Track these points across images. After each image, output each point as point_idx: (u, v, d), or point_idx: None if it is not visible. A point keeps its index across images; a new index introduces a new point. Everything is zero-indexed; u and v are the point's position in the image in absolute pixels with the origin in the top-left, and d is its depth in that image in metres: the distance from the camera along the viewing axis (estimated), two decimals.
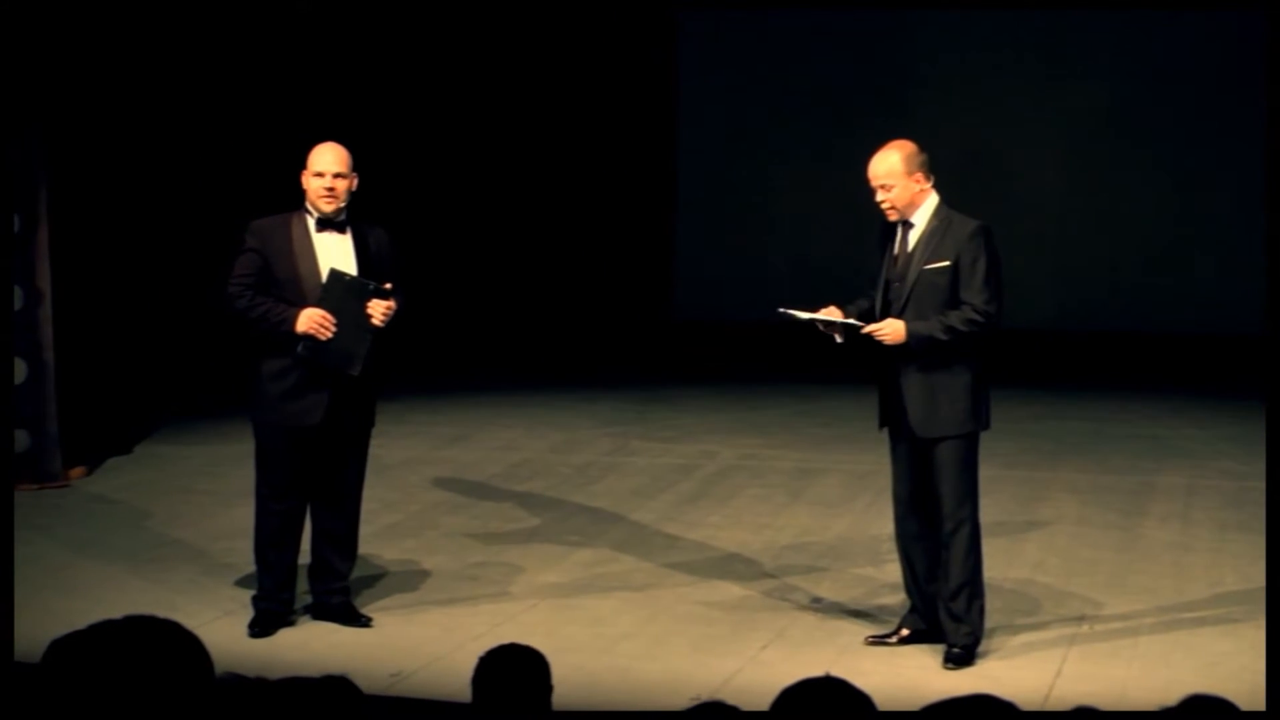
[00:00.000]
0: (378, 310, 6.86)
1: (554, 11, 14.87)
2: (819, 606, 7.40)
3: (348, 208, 6.98)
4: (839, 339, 6.69)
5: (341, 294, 6.83)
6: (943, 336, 6.48)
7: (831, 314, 6.67)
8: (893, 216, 6.63)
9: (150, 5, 11.85)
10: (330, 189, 6.88)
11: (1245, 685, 6.16)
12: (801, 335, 7.01)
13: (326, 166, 6.89)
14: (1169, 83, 14.37)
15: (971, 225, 6.57)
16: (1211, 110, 14.25)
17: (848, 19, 14.86)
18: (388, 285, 6.92)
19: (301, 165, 6.97)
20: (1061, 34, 14.54)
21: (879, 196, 6.61)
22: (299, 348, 6.81)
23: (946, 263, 6.54)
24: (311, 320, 6.78)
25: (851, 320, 6.64)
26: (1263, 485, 7.50)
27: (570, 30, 14.94)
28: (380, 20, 14.24)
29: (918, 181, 6.58)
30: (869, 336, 6.58)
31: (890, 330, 6.50)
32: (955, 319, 6.49)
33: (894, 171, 6.57)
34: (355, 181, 6.98)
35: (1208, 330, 14.13)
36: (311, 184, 6.91)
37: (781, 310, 6.75)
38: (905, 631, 6.83)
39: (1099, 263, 14.56)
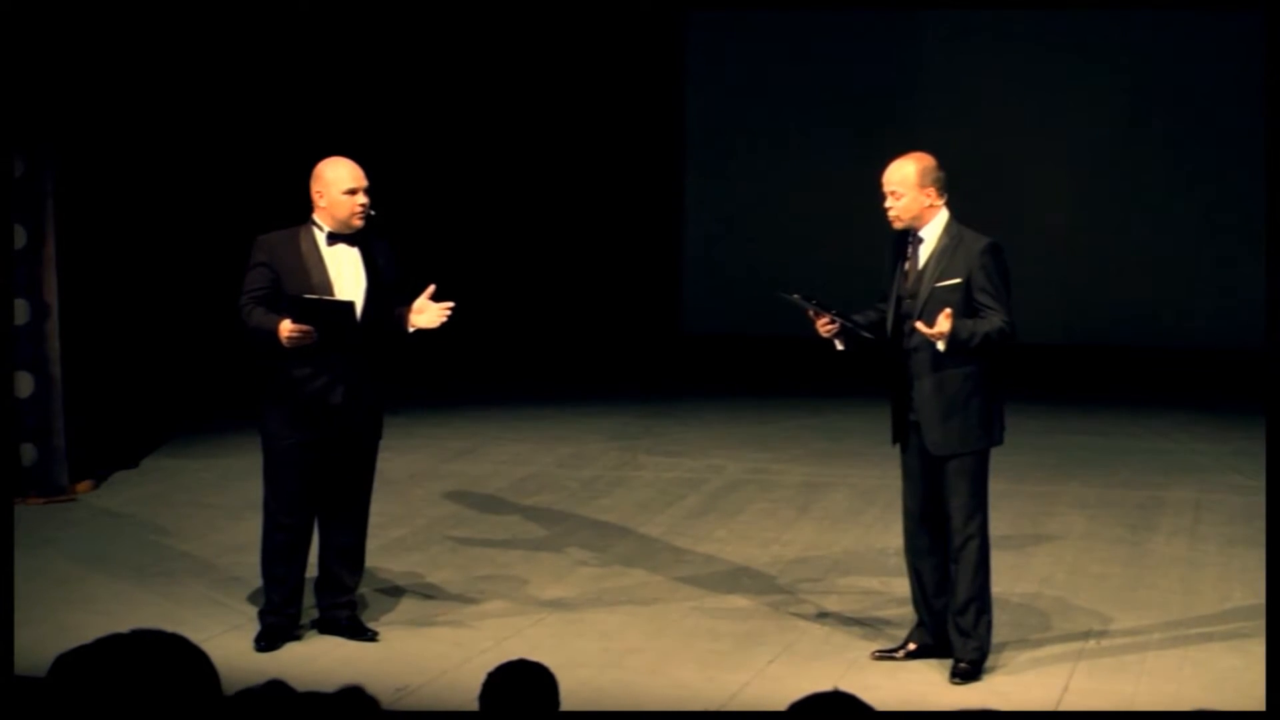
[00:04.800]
0: (435, 313, 6.87)
1: (559, 26, 14.88)
2: (826, 621, 7.39)
3: None
4: (840, 346, 6.66)
5: (312, 315, 6.79)
6: (977, 344, 6.45)
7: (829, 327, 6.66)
8: (896, 225, 6.64)
9: (157, 18, 11.88)
10: (364, 205, 6.89)
11: (1253, 701, 6.15)
12: (809, 349, 7.00)
13: (358, 182, 6.89)
14: (1176, 97, 14.36)
15: (983, 242, 6.57)
16: (1221, 124, 14.24)
17: (858, 25, 14.87)
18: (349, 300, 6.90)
19: (307, 176, 6.96)
20: (1072, 40, 14.53)
21: (886, 202, 6.62)
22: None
23: (958, 280, 6.53)
24: (290, 337, 6.76)
25: (860, 325, 6.61)
26: None
27: (575, 44, 14.95)
28: (382, 28, 14.25)
29: (928, 196, 6.58)
30: (874, 346, 6.57)
31: (941, 329, 6.43)
32: (989, 326, 6.45)
33: (906, 181, 6.57)
34: None
35: (1217, 345, 14.12)
36: (343, 203, 6.88)
37: (784, 295, 6.71)
38: (912, 646, 6.82)
39: (1107, 277, 14.55)
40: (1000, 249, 6.61)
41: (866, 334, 6.59)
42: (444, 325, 6.99)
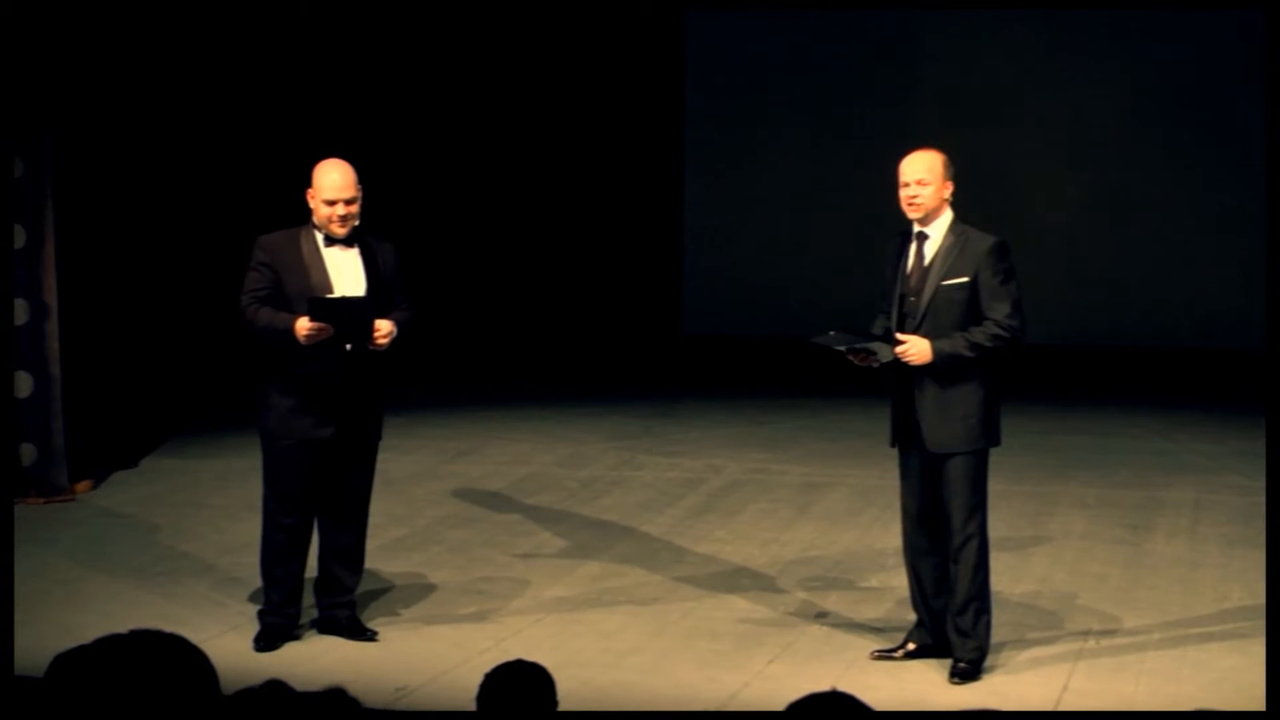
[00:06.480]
0: (380, 331, 6.84)
1: (560, 26, 14.89)
2: (825, 621, 7.39)
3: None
4: (876, 365, 6.62)
5: (331, 314, 6.81)
6: (968, 353, 6.47)
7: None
8: (914, 214, 6.59)
9: (157, 17, 11.88)
10: (343, 217, 6.89)
11: (1253, 701, 6.15)
12: (808, 350, 6.98)
13: (337, 194, 6.87)
14: (1177, 96, 14.37)
15: (989, 241, 6.57)
16: (1221, 123, 14.25)
17: (858, 25, 14.88)
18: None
19: (307, 177, 6.97)
20: (1071, 40, 14.54)
21: (911, 191, 6.56)
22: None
23: (964, 279, 6.52)
24: (309, 335, 6.76)
25: (880, 336, 6.59)
26: None
27: (575, 44, 14.95)
28: (381, 28, 14.26)
29: (947, 188, 6.59)
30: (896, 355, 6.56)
31: (916, 351, 6.48)
32: (980, 335, 6.48)
33: (934, 169, 6.56)
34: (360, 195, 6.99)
35: (1217, 344, 14.13)
36: (322, 210, 6.89)
37: (815, 341, 6.69)
38: (911, 646, 6.82)
39: (1107, 277, 14.56)
40: (1007, 248, 6.60)
41: (888, 345, 6.57)
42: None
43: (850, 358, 6.63)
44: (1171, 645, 7.03)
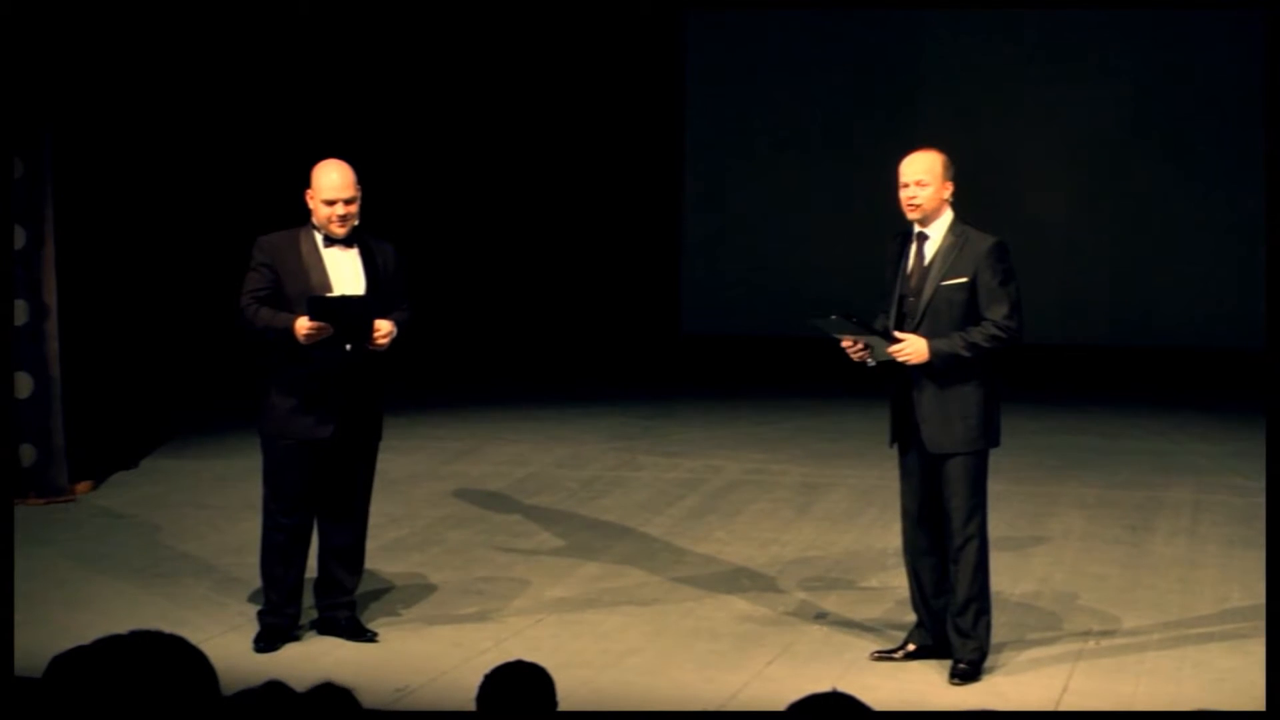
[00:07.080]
0: (380, 331, 6.84)
1: (560, 27, 14.89)
2: (825, 621, 7.39)
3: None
4: (871, 363, 6.62)
5: (331, 313, 6.81)
6: (966, 354, 6.47)
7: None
8: (914, 214, 6.59)
9: (157, 18, 11.88)
10: (342, 216, 6.89)
11: (1253, 701, 6.15)
12: (809, 350, 6.98)
13: (336, 194, 6.88)
14: (1176, 96, 14.37)
15: (989, 241, 6.56)
16: (1220, 123, 14.24)
17: (858, 25, 14.88)
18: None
19: (307, 178, 6.97)
20: (1071, 40, 14.54)
21: (909, 192, 6.56)
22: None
23: (964, 279, 6.52)
24: (308, 334, 6.77)
25: (880, 331, 6.58)
26: None
27: (575, 45, 14.96)
28: (381, 28, 14.26)
29: (947, 189, 6.59)
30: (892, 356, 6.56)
31: (913, 350, 6.48)
32: (978, 335, 6.48)
33: (933, 170, 6.55)
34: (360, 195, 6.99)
35: (1217, 344, 14.13)
36: (321, 211, 6.90)
37: (813, 322, 6.66)
38: (911, 646, 6.82)
39: (1107, 277, 14.56)
40: (1006, 248, 6.60)
41: (886, 343, 6.55)
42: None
43: (845, 345, 6.61)
44: (1171, 645, 7.04)
